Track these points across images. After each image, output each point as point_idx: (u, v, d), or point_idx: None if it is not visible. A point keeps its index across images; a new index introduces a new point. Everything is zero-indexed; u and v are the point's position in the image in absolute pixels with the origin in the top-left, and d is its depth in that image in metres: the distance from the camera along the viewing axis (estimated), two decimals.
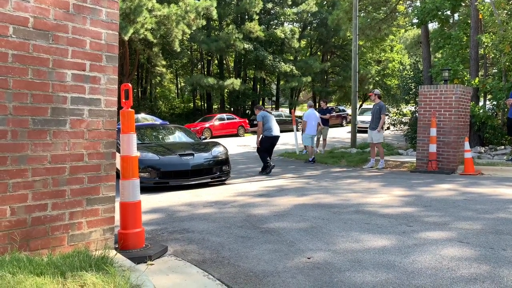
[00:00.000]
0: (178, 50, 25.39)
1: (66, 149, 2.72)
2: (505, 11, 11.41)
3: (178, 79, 39.65)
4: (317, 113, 11.31)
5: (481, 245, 3.12)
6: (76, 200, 2.77)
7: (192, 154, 6.98)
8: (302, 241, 3.35)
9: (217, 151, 7.33)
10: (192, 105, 37.50)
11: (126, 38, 20.11)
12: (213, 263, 2.95)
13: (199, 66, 37.23)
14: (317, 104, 13.05)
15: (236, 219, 4.26)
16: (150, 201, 5.46)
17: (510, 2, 11.58)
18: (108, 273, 2.21)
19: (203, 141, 9.56)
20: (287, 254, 3.06)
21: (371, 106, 12.57)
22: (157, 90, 36.18)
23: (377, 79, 36.57)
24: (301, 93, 40.44)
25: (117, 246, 3.05)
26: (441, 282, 2.44)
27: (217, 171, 7.01)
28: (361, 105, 39.13)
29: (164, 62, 28.55)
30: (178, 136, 8.77)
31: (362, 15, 20.45)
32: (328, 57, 38.41)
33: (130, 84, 3.21)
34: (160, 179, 6.54)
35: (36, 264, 2.22)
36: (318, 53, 38.82)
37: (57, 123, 2.68)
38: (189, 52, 34.35)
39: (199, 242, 3.50)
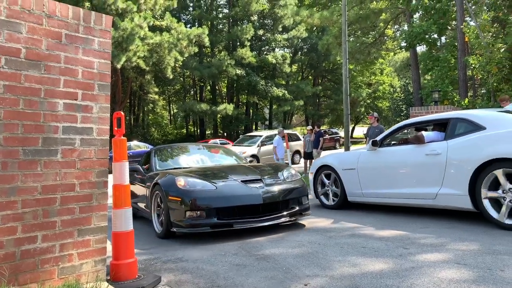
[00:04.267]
0: (171, 77, 25.66)
1: (57, 179, 2.69)
2: (490, 33, 11.73)
3: (171, 105, 39.88)
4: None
5: (479, 266, 3.09)
6: (67, 231, 2.72)
7: (260, 180, 4.89)
8: (298, 267, 3.30)
9: (289, 175, 5.30)
10: (185, 131, 37.61)
11: (119, 66, 20.30)
12: None
13: (192, 92, 37.55)
14: (312, 127, 13.35)
15: (230, 246, 4.19)
16: (142, 230, 5.37)
17: (495, 25, 11.92)
18: None
19: (258, 164, 7.44)
20: (284, 281, 3.01)
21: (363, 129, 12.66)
22: (149, 117, 36.31)
23: (369, 101, 37.09)
24: (293, 117, 40.79)
25: (109, 278, 2.98)
26: None
27: (295, 205, 4.96)
28: (353, 128, 39.45)
29: (156, 89, 28.81)
30: (219, 157, 6.65)
31: (351, 39, 20.90)
32: (320, 81, 39.00)
33: (122, 112, 3.21)
34: (219, 220, 4.42)
35: None
36: (310, 77, 39.43)
37: (48, 153, 2.66)
38: (181, 78, 34.71)
39: (193, 271, 3.43)
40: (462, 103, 11.35)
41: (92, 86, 2.88)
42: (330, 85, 38.13)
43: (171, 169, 5.68)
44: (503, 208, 4.21)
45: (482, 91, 13.09)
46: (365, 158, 5.83)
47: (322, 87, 37.30)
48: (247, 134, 21.19)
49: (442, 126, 5.37)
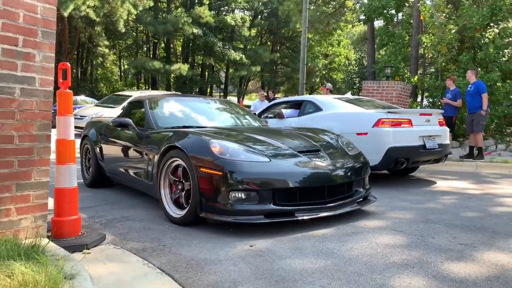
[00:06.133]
0: (123, 30, 24.40)
1: None
2: (443, 13, 12.10)
3: (122, 61, 38.06)
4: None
5: (413, 233, 3.31)
6: (4, 185, 2.57)
7: (318, 151, 3.83)
8: (244, 230, 3.36)
9: (349, 144, 4.32)
10: (136, 89, 36.31)
11: (66, 14, 18.96)
12: (154, 252, 2.88)
13: (145, 48, 36.05)
14: (267, 94, 13.23)
15: None
16: (87, 187, 5.23)
17: (449, 6, 12.29)
18: (39, 262, 2.08)
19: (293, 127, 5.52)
20: (230, 243, 3.06)
21: None
22: (98, 72, 34.50)
23: (324, 72, 37.53)
24: (250, 83, 40.56)
25: (50, 234, 2.88)
26: (375, 268, 2.56)
27: (359, 187, 3.92)
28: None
29: (107, 43, 27.26)
30: (236, 115, 5.29)
31: (312, 8, 20.77)
32: (278, 47, 38.75)
33: (68, 64, 3.01)
34: (277, 206, 3.29)
35: None
36: (268, 43, 39.03)
37: None
38: (134, 33, 33.12)
39: (139, 230, 3.40)
40: (412, 80, 11.79)
41: (35, 32, 2.66)
42: (288, 53, 38.05)
43: (181, 127, 4.25)
44: None
45: (431, 69, 13.65)
46: None
47: (280, 54, 37.15)
48: (115, 93, 17.19)
49: (298, 106, 6.75)
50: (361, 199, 3.89)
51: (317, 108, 6.32)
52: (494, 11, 10.24)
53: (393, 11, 15.43)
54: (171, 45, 34.11)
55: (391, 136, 5.46)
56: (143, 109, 4.74)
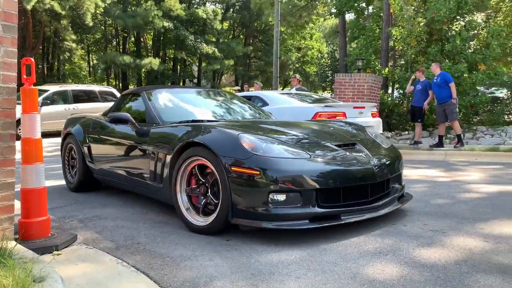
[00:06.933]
0: (91, 24, 23.68)
1: None
2: (412, 7, 12.35)
3: (90, 55, 37.04)
4: None
5: (385, 221, 3.38)
6: None
7: (355, 145, 3.50)
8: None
9: (381, 138, 4.06)
10: (105, 84, 35.45)
11: (29, 7, 18.24)
12: (128, 250, 2.82)
13: (114, 43, 35.17)
14: (241, 87, 13.18)
15: (152, 205, 4.12)
16: (57, 186, 5.08)
17: None
18: (6, 266, 2.00)
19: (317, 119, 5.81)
20: (206, 238, 3.04)
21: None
22: (65, 67, 33.39)
23: (297, 65, 37.68)
24: (223, 76, 40.31)
25: (17, 237, 2.78)
26: (349, 257, 2.60)
27: (396, 183, 3.61)
28: (282, 90, 40.06)
29: (74, 37, 26.38)
30: (246, 109, 4.76)
31: (284, 1, 20.78)
32: (251, 41, 38.61)
33: (32, 59, 2.89)
34: (322, 209, 2.92)
35: None
36: (241, 36, 38.85)
37: None
38: (102, 27, 32.25)
39: (112, 229, 3.33)
40: (383, 72, 11.99)
41: None
42: (261, 46, 37.97)
43: (190, 122, 3.77)
44: None
45: (401, 62, 13.92)
46: None
47: (253, 48, 37.03)
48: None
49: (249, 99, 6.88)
50: (400, 196, 3.60)
51: (264, 103, 6.95)
52: (460, 4, 10.52)
53: (364, 4, 15.66)
54: (142, 39, 33.42)
55: None
56: (139, 103, 4.25)
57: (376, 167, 3.25)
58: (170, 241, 2.99)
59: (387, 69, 12.25)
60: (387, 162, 3.46)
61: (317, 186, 2.90)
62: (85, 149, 4.60)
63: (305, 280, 2.30)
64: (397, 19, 12.17)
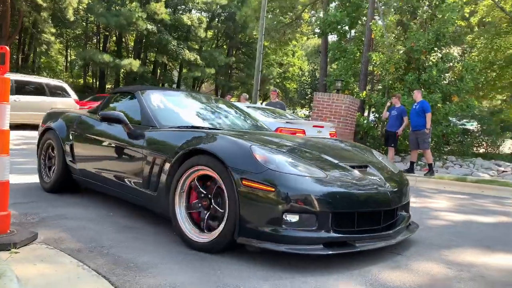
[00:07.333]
0: (72, 19, 23.24)
1: None
2: (393, 34, 12.73)
3: (69, 51, 36.27)
4: None
5: None
6: None
7: (366, 167, 3.31)
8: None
9: (386, 160, 3.84)
10: (82, 81, 34.72)
11: None
12: (90, 253, 2.71)
13: (95, 40, 34.62)
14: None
15: (120, 208, 4.01)
16: (20, 182, 4.87)
17: (398, 28, 12.94)
18: None
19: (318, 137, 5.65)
20: (173, 246, 2.96)
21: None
22: (42, 60, 32.56)
23: (278, 80, 38.06)
24: (203, 84, 40.23)
25: None
26: (314, 274, 2.57)
27: (403, 211, 3.41)
28: (261, 104, 40.29)
29: (53, 30, 25.78)
30: (243, 118, 4.55)
31: (269, 16, 21.05)
32: (234, 52, 38.82)
33: (8, 48, 2.78)
34: (337, 234, 2.70)
35: None
36: (224, 46, 39.02)
37: None
38: (84, 23, 31.69)
39: (76, 229, 3.20)
40: (361, 95, 12.25)
41: None
42: (244, 58, 38.20)
43: (189, 127, 3.56)
44: None
45: (379, 86, 14.27)
46: None
47: (236, 59, 37.22)
48: None
49: None
50: (408, 224, 3.39)
51: None
52: (438, 37, 10.92)
53: (347, 28, 16.02)
54: (123, 39, 33.03)
55: None
56: (131, 103, 3.93)
57: (391, 193, 3.06)
58: (135, 247, 2.90)
59: (364, 92, 12.53)
60: (400, 188, 3.27)
61: (333, 209, 2.67)
62: (67, 147, 4.21)
63: None
64: (377, 44, 12.52)
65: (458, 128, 12.07)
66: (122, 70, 29.10)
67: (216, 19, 37.12)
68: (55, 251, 2.69)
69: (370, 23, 12.57)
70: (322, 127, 7.16)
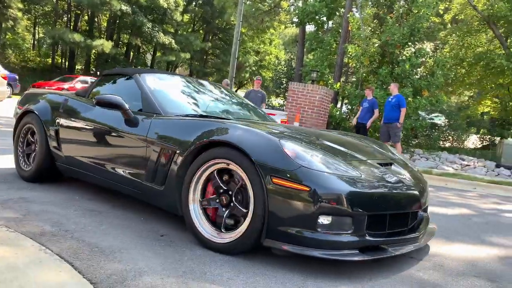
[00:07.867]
0: None
1: None
2: (369, 27, 12.86)
3: (37, 28, 34.81)
4: None
5: None
6: None
7: (391, 164, 3.10)
8: (155, 219, 3.23)
9: (405, 158, 3.68)
10: (50, 61, 33.49)
11: None
12: (54, 237, 2.64)
13: (65, 18, 33.36)
14: None
15: (87, 191, 3.91)
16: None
17: (375, 21, 13.08)
18: None
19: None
20: (140, 231, 2.92)
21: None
22: (7, 36, 31.14)
23: (254, 69, 37.93)
24: (177, 69, 39.61)
25: None
26: (292, 268, 2.60)
27: (424, 212, 3.16)
28: (236, 91, 40.07)
29: (20, 5, 24.62)
30: (244, 107, 4.22)
31: (248, 3, 20.83)
32: (210, 37, 38.33)
33: None
34: (372, 238, 2.50)
35: None
36: (200, 31, 38.47)
37: None
38: (54, 0, 30.45)
39: (39, 213, 3.10)
40: (335, 86, 12.36)
41: None
42: (220, 44, 37.79)
43: (197, 116, 3.28)
44: None
45: (353, 78, 14.45)
46: None
47: (212, 45, 36.76)
48: None
49: None
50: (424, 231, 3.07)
51: None
52: (413, 32, 11.12)
53: (325, 18, 16.07)
54: (96, 19, 32.00)
55: None
56: (129, 87, 3.55)
57: (420, 193, 2.89)
58: (101, 231, 2.84)
59: (339, 83, 12.66)
60: (425, 188, 3.07)
61: (369, 211, 2.48)
62: (52, 132, 3.79)
63: (236, 281, 2.26)
64: (354, 37, 12.62)
65: (427, 122, 12.41)
66: (94, 51, 28.28)
67: (194, 3, 36.46)
68: (16, 234, 2.60)
69: (348, 15, 12.65)
70: (274, 114, 7.56)
